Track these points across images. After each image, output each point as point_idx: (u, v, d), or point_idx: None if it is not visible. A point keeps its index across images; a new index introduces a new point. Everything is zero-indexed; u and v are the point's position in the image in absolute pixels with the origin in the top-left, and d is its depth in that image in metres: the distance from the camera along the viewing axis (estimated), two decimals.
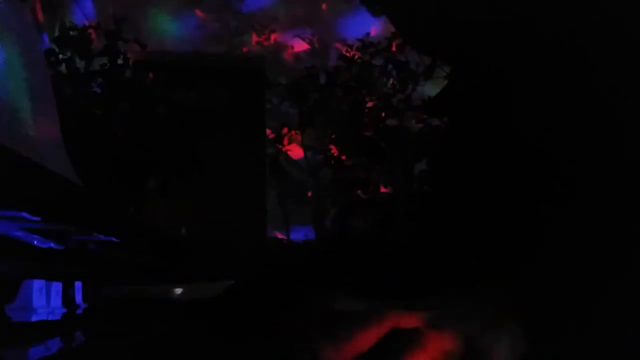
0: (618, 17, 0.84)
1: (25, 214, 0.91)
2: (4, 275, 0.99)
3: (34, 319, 1.05)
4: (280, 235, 5.33)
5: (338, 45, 5.71)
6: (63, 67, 3.78)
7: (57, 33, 4.02)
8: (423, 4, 0.95)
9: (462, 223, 0.94)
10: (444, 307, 0.71)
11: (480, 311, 0.70)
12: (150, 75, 3.88)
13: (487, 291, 0.72)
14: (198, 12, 6.48)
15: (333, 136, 5.00)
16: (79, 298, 1.20)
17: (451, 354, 0.67)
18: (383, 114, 4.86)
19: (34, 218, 0.94)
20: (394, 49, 4.86)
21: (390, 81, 4.96)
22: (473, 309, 0.70)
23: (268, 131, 5.26)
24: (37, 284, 1.06)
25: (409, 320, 0.69)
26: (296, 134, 5.23)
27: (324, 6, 6.61)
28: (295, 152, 5.43)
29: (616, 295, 0.73)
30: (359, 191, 4.84)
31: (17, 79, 1.35)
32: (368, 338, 0.68)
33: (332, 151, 4.97)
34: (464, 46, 0.96)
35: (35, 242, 1.04)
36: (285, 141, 5.31)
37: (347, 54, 5.02)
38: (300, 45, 6.51)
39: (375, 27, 5.16)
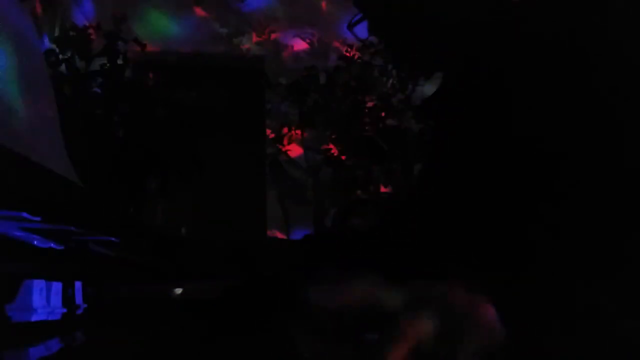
0: (618, 17, 0.84)
1: (25, 214, 0.91)
2: (4, 275, 0.99)
3: (34, 319, 1.05)
4: (280, 235, 5.32)
5: (338, 45, 5.70)
6: (63, 67, 3.78)
7: (57, 33, 4.02)
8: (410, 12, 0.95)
9: (462, 223, 0.94)
10: (423, 289, 0.72)
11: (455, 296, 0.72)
12: (150, 75, 3.88)
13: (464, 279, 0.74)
14: (198, 12, 6.48)
15: (333, 136, 5.00)
16: (79, 298, 1.19)
17: (426, 338, 0.69)
18: (383, 114, 4.85)
19: (34, 218, 0.94)
20: None
21: (390, 81, 4.96)
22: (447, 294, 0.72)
23: (268, 131, 5.25)
24: (37, 284, 1.06)
25: (389, 300, 0.70)
26: (296, 134, 5.23)
27: (324, 6, 6.61)
28: (295, 152, 5.43)
29: (613, 295, 0.73)
30: (359, 191, 4.83)
31: (17, 79, 1.35)
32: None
33: (332, 151, 4.97)
34: (464, 46, 0.96)
35: (35, 242, 1.03)
36: (285, 141, 5.30)
37: (347, 54, 5.02)
38: (300, 45, 6.51)
39: None
